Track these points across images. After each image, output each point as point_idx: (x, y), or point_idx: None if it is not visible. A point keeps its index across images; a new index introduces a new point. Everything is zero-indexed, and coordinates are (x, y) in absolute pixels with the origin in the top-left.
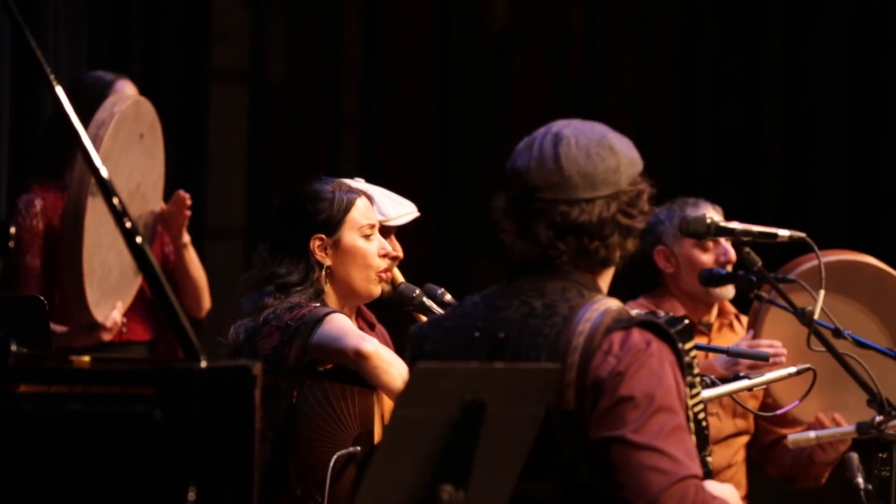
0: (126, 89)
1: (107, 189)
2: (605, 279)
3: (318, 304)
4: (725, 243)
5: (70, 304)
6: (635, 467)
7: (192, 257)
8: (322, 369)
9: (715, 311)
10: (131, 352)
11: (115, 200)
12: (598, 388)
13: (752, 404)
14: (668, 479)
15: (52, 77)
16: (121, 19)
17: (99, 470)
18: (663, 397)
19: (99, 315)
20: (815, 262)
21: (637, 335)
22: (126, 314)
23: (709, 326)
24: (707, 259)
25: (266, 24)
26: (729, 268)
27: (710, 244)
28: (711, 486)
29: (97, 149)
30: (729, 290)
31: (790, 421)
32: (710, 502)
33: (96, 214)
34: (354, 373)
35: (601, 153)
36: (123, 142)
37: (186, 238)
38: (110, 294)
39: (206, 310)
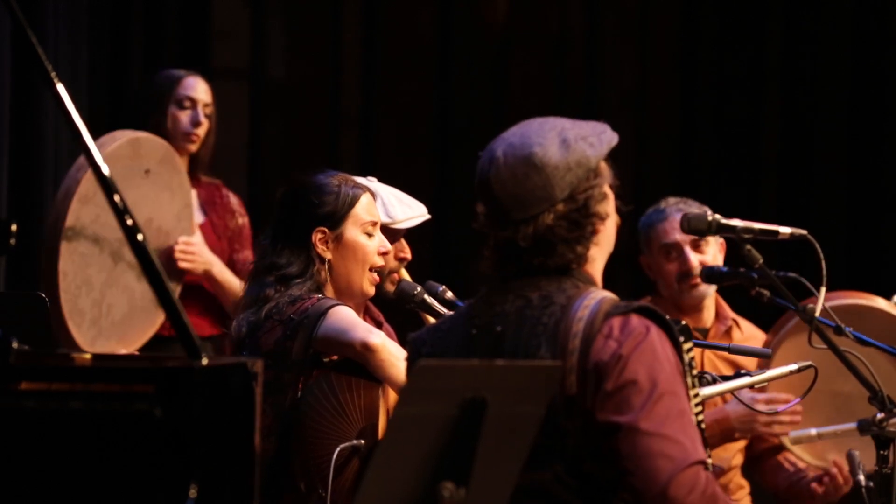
0: (197, 85)
1: (107, 187)
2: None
3: (320, 297)
4: (688, 252)
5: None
6: (643, 454)
7: (218, 284)
8: (328, 360)
9: (711, 314)
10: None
11: (116, 198)
12: (599, 372)
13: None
14: (677, 466)
15: (52, 74)
16: (121, 19)
17: (100, 468)
18: (667, 381)
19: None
20: (832, 303)
21: (636, 320)
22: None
23: (704, 332)
24: (672, 268)
25: (266, 23)
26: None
27: (674, 253)
28: None
29: (74, 191)
30: (707, 290)
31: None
32: (720, 497)
33: (79, 257)
34: (360, 365)
35: (527, 173)
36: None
37: (200, 271)
38: (112, 331)
39: None
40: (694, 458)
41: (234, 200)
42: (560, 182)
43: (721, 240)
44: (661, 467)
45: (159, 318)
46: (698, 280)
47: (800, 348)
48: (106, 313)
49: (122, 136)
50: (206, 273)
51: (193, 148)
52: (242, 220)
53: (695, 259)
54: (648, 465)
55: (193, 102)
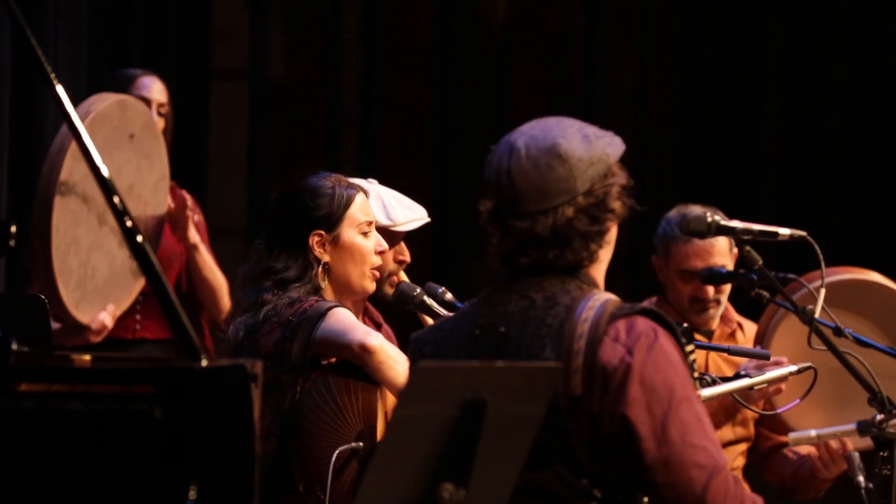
0: (152, 85)
1: (107, 188)
2: (597, 278)
3: (318, 299)
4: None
5: (48, 304)
6: (674, 465)
7: (203, 259)
8: (326, 363)
9: (717, 317)
10: (143, 350)
11: (116, 199)
12: (607, 376)
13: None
14: (709, 474)
15: (52, 75)
16: (121, 19)
17: (100, 469)
18: (682, 387)
19: (81, 316)
20: (829, 279)
21: (641, 323)
22: (141, 311)
23: (709, 335)
24: (687, 290)
25: (266, 23)
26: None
27: (690, 276)
28: None
29: (68, 146)
30: (715, 313)
31: (789, 429)
32: (748, 496)
33: (69, 214)
34: (358, 368)
35: (550, 163)
36: (104, 142)
37: (195, 239)
38: (95, 295)
39: (226, 312)
40: (721, 462)
41: (189, 201)
42: (582, 175)
43: (735, 251)
44: (695, 477)
45: (136, 287)
46: (710, 306)
47: (791, 330)
48: (90, 276)
49: (111, 97)
50: (195, 247)
51: None
52: (198, 217)
53: (711, 289)
54: (681, 477)
55: (147, 102)
